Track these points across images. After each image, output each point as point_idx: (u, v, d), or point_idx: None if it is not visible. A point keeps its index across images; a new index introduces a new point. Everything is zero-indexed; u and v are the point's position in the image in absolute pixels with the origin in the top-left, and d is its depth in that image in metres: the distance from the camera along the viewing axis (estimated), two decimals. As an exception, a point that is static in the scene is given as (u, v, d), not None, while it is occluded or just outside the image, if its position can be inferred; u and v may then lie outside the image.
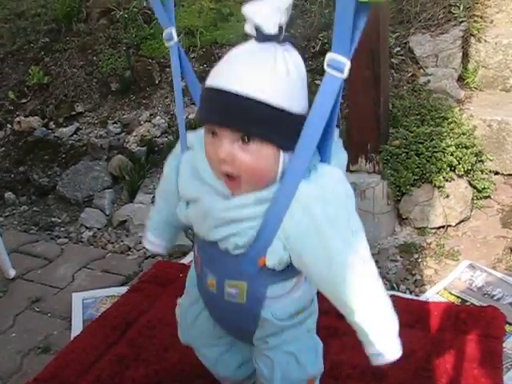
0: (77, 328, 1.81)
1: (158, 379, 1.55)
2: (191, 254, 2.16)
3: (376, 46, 1.93)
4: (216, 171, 1.04)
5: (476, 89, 2.59)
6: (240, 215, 1.04)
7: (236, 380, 1.38)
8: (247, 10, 0.98)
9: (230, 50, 1.03)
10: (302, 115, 1.00)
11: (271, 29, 0.97)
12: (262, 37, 0.98)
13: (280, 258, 1.05)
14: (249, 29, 1.00)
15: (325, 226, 0.99)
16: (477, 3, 2.71)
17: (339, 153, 1.08)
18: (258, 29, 0.98)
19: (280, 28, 0.97)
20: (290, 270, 1.08)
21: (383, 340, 1.03)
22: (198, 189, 1.09)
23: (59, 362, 1.63)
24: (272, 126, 0.98)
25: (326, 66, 0.97)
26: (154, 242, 1.34)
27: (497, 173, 2.35)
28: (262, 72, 0.97)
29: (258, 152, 0.98)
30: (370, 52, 1.93)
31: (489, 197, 2.25)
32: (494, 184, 2.30)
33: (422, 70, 2.56)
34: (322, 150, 1.03)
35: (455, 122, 2.13)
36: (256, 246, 1.05)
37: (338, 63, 0.95)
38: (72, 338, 1.75)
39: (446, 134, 2.08)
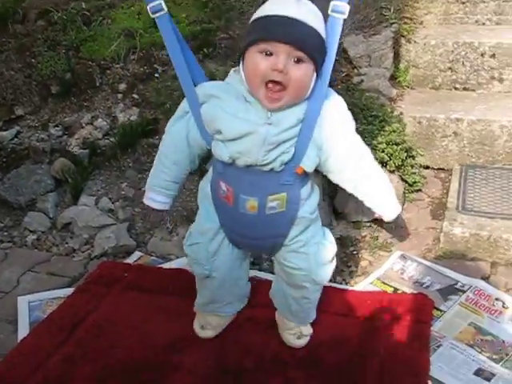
0: (23, 331, 1.82)
1: (105, 375, 1.60)
2: (136, 253, 2.22)
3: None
4: (258, 87, 1.28)
5: (407, 87, 2.72)
6: (287, 136, 1.34)
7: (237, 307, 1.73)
8: None
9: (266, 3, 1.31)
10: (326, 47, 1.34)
11: None
12: None
13: (314, 163, 1.40)
14: None
15: (343, 126, 1.40)
16: (406, 5, 2.84)
17: None
18: None
19: None
20: (308, 175, 1.44)
21: (391, 198, 1.52)
22: (243, 125, 1.33)
23: (6, 365, 1.66)
24: (319, 50, 1.30)
25: (330, 12, 1.34)
26: (159, 200, 1.55)
27: (427, 167, 2.49)
28: (309, 11, 1.28)
29: (305, 69, 1.27)
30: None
31: (420, 190, 2.38)
32: (425, 178, 2.44)
33: (356, 70, 2.67)
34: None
35: (385, 121, 2.25)
36: (294, 159, 1.36)
37: (340, 7, 1.35)
38: (19, 341, 1.76)
39: (377, 131, 2.19)
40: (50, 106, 3.01)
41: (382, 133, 2.19)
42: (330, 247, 1.54)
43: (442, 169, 2.47)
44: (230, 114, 1.34)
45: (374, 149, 2.14)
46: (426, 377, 1.55)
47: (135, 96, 2.87)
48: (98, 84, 3.01)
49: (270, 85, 1.27)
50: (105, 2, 3.33)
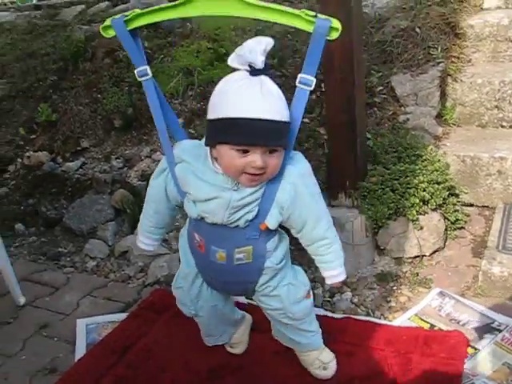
0: (80, 351, 1.99)
1: (152, 398, 1.73)
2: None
3: (352, 93, 2.11)
4: (237, 175, 1.38)
5: (454, 125, 2.77)
6: (250, 200, 1.43)
7: (233, 330, 1.85)
8: (243, 50, 1.33)
9: (226, 84, 1.36)
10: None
11: (261, 64, 1.32)
12: (255, 71, 1.33)
13: (277, 221, 1.47)
14: (235, 63, 1.35)
15: (305, 193, 1.45)
16: (454, 45, 2.90)
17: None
18: (250, 65, 1.33)
19: (266, 64, 1.33)
20: (275, 229, 1.51)
21: (339, 265, 1.57)
22: (212, 190, 1.43)
23: (64, 382, 1.82)
24: (286, 136, 1.38)
25: (297, 83, 1.40)
26: (146, 243, 1.72)
27: (471, 205, 2.53)
28: (274, 100, 1.33)
29: (278, 156, 1.38)
30: (347, 98, 2.12)
31: (463, 228, 2.42)
32: (468, 216, 2.47)
33: (402, 108, 2.75)
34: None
35: (428, 160, 2.31)
36: (258, 217, 1.46)
37: (308, 80, 1.40)
38: (76, 361, 1.93)
39: (419, 171, 2.25)
40: (113, 138, 3.22)
41: (425, 172, 2.25)
42: (300, 286, 1.63)
43: (487, 206, 2.50)
44: (199, 178, 1.43)
45: (415, 187, 2.21)
46: (455, 414, 1.61)
47: (191, 131, 3.03)
48: (157, 119, 3.19)
49: (248, 175, 1.37)
50: (166, 40, 3.54)
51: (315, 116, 2.87)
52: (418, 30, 2.95)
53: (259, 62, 1.32)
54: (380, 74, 2.89)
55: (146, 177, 2.88)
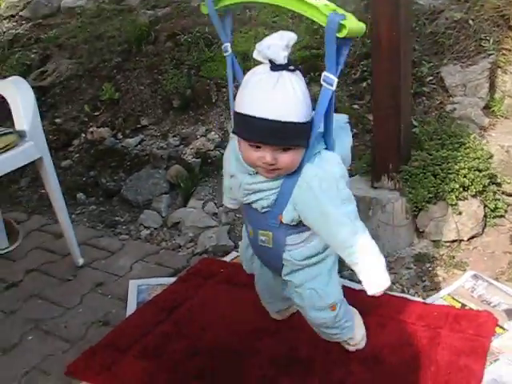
0: (131, 308, 2.16)
1: (194, 351, 1.88)
2: (233, 253, 2.49)
3: (398, 83, 2.20)
4: (255, 166, 1.43)
5: (501, 116, 2.80)
6: (261, 187, 1.48)
7: (281, 306, 1.92)
8: (262, 46, 1.34)
9: (251, 76, 1.38)
10: (311, 121, 1.39)
11: (283, 60, 1.32)
12: (275, 67, 1.33)
13: (292, 217, 1.48)
14: (259, 57, 1.36)
15: (320, 196, 1.42)
16: (507, 37, 2.93)
17: (344, 137, 1.58)
18: (271, 61, 1.32)
19: (289, 59, 1.33)
20: (304, 225, 1.51)
21: (374, 274, 1.47)
22: (235, 168, 1.53)
23: (115, 334, 1.99)
24: (298, 136, 1.38)
25: (322, 81, 1.37)
26: (231, 202, 1.79)
27: (514, 195, 2.58)
28: (287, 95, 1.32)
29: (292, 154, 1.39)
30: (393, 88, 2.21)
31: (503, 216, 2.47)
32: (510, 205, 2.52)
33: (450, 99, 2.80)
34: (326, 140, 1.47)
35: (471, 148, 2.37)
36: (276, 207, 1.49)
37: (330, 79, 1.36)
38: (127, 316, 2.11)
39: (460, 157, 2.32)
40: (171, 118, 3.39)
41: (466, 159, 2.32)
42: (325, 297, 1.60)
43: (529, 197, 2.54)
44: (233, 155, 1.53)
45: (456, 173, 2.28)
46: (477, 385, 1.69)
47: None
48: (213, 100, 3.35)
49: (262, 168, 1.42)
50: (226, 26, 3.67)
51: (365, 103, 2.96)
52: (471, 21, 2.99)
53: (280, 57, 1.32)
54: (431, 64, 2.95)
55: (200, 154, 3.05)
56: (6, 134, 2.20)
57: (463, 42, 2.96)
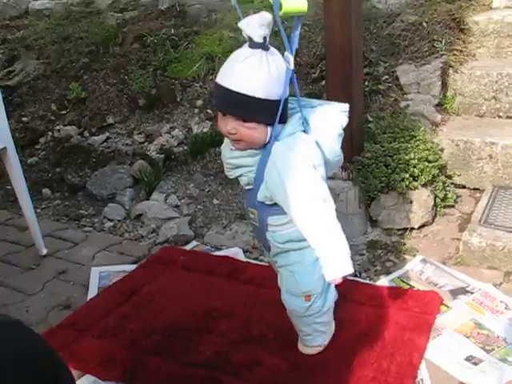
0: (92, 293, 2.22)
1: (151, 330, 1.95)
2: (193, 242, 2.56)
3: (349, 73, 2.31)
4: (225, 135, 1.53)
5: (453, 114, 2.93)
6: (239, 162, 1.56)
7: None
8: (242, 24, 1.42)
9: (233, 52, 1.47)
10: (279, 100, 1.45)
11: (258, 39, 1.40)
12: (253, 44, 1.41)
13: (264, 195, 1.55)
14: (245, 36, 1.43)
15: (282, 174, 1.47)
16: (458, 39, 3.06)
17: (326, 124, 1.60)
18: (249, 38, 1.41)
19: (264, 38, 1.40)
20: (282, 210, 1.54)
21: (332, 260, 1.48)
22: (224, 144, 1.62)
23: (76, 315, 2.06)
24: (260, 111, 1.45)
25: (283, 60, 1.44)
26: None
27: (464, 187, 2.69)
28: (252, 74, 1.40)
29: (252, 127, 1.47)
30: (345, 77, 2.32)
31: (453, 206, 2.59)
32: (460, 196, 2.64)
33: (405, 96, 2.92)
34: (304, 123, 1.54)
35: (421, 140, 2.48)
36: (255, 185, 1.56)
37: (288, 58, 1.43)
38: (88, 300, 2.17)
39: (411, 149, 2.43)
40: (137, 116, 3.45)
41: (416, 150, 2.43)
42: (300, 285, 1.64)
43: (478, 189, 2.66)
44: None
45: (406, 163, 2.39)
46: (420, 357, 1.78)
47: (209, 111, 3.25)
48: (178, 99, 3.42)
49: (227, 136, 1.53)
50: (191, 29, 3.77)
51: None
52: (424, 24, 3.13)
53: (256, 35, 1.39)
54: (387, 64, 3.06)
55: (164, 150, 3.11)
56: (-31, 124, 2.26)
57: (417, 44, 3.08)
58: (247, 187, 1.61)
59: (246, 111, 1.45)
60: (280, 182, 1.48)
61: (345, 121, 1.63)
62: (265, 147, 1.52)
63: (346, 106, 1.64)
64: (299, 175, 1.47)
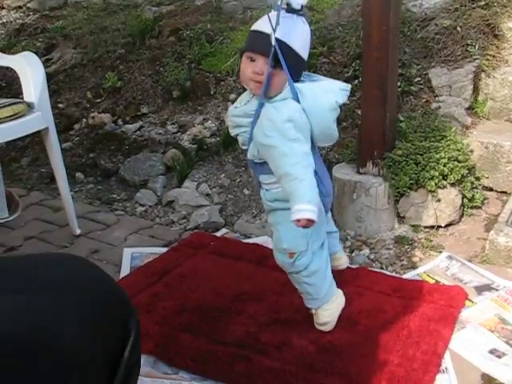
0: (125, 272, 2.29)
1: (182, 308, 2.01)
2: (223, 230, 2.63)
3: (385, 72, 2.36)
4: (247, 81, 1.66)
5: (484, 118, 2.96)
6: (238, 121, 1.74)
7: None
8: None
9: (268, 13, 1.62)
10: (304, 60, 1.67)
11: (296, 6, 1.58)
12: (290, 9, 1.58)
13: (252, 154, 1.74)
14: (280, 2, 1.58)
15: (268, 132, 1.63)
16: (492, 44, 3.09)
17: (329, 90, 1.71)
18: (288, 4, 1.58)
19: (302, 6, 1.59)
20: (270, 169, 1.70)
21: (301, 202, 1.58)
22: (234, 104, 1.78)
23: (109, 291, 2.12)
24: (290, 62, 1.59)
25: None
26: None
27: (491, 189, 2.72)
28: (292, 28, 1.59)
29: (277, 73, 1.60)
30: (380, 76, 2.37)
31: (480, 208, 2.62)
32: (487, 198, 2.67)
33: (436, 98, 2.96)
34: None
35: (452, 140, 2.52)
36: (248, 145, 1.72)
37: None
38: (120, 278, 2.24)
39: (441, 148, 2.47)
40: (170, 107, 3.52)
41: (447, 150, 2.47)
42: (282, 242, 1.78)
43: (505, 192, 2.69)
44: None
45: (436, 162, 2.43)
46: (444, 347, 1.82)
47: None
48: (212, 92, 3.49)
49: (253, 81, 1.64)
50: (227, 25, 3.84)
51: (355, 99, 3.11)
52: (459, 28, 3.16)
53: (295, 2, 1.58)
54: (419, 66, 3.10)
55: (196, 141, 3.18)
56: (16, 103, 2.35)
57: (451, 47, 3.12)
58: (243, 147, 1.79)
59: (277, 55, 1.56)
60: (266, 140, 1.65)
61: (341, 98, 1.70)
62: (259, 108, 1.66)
63: (346, 86, 1.74)
64: (284, 134, 1.61)
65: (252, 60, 1.62)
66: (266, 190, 1.80)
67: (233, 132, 1.79)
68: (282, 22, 1.56)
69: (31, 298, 0.73)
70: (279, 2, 1.59)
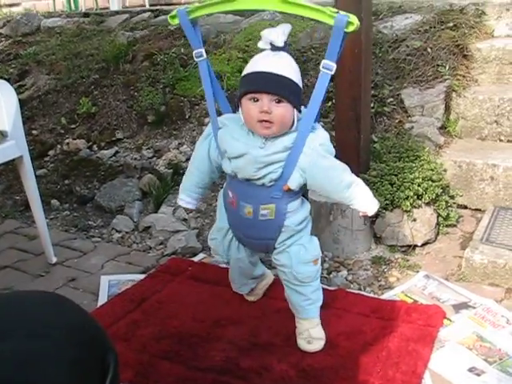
0: (102, 300, 2.25)
1: (161, 336, 1.99)
2: (200, 255, 2.62)
3: (358, 93, 2.39)
4: (254, 124, 1.66)
5: (456, 136, 3.01)
6: (273, 159, 1.70)
7: (252, 284, 2.13)
8: (265, 32, 1.67)
9: (255, 57, 1.70)
10: (301, 89, 1.70)
11: (280, 43, 1.66)
12: (275, 48, 1.66)
13: (299, 183, 1.73)
14: (262, 45, 1.68)
15: (325, 154, 1.71)
16: (461, 64, 3.16)
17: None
18: (272, 43, 1.65)
19: (285, 42, 1.67)
20: (298, 192, 1.78)
21: (371, 199, 1.76)
22: (241, 148, 1.70)
23: (86, 320, 2.09)
24: (292, 92, 1.65)
25: (321, 68, 1.70)
26: (187, 200, 1.94)
27: (465, 207, 2.76)
28: (283, 63, 1.66)
29: (284, 108, 1.64)
30: (353, 98, 2.40)
31: (455, 226, 2.65)
32: (462, 216, 2.71)
33: (409, 118, 3.01)
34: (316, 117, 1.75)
35: (425, 160, 2.56)
36: (282, 178, 1.72)
37: (329, 65, 1.69)
38: (98, 306, 2.21)
39: (415, 168, 2.50)
40: (145, 132, 3.53)
41: (421, 170, 2.50)
42: (310, 250, 1.84)
43: (479, 209, 2.73)
44: (234, 139, 1.72)
45: (411, 182, 2.46)
46: (424, 366, 1.82)
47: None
48: (187, 116, 3.51)
49: (261, 122, 1.65)
50: (201, 48, 3.86)
51: (329, 120, 3.14)
52: (429, 49, 3.22)
53: (279, 40, 1.65)
54: (392, 87, 3.16)
55: (172, 165, 3.18)
56: (-13, 132, 2.32)
57: (422, 68, 3.18)
58: (270, 184, 1.73)
59: (284, 90, 1.62)
60: (324, 161, 1.70)
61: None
62: (296, 137, 1.69)
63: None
64: (333, 152, 1.76)
65: (255, 100, 1.63)
66: (293, 215, 1.79)
67: (258, 175, 1.71)
68: (272, 59, 1.64)
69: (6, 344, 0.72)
70: (261, 45, 1.67)
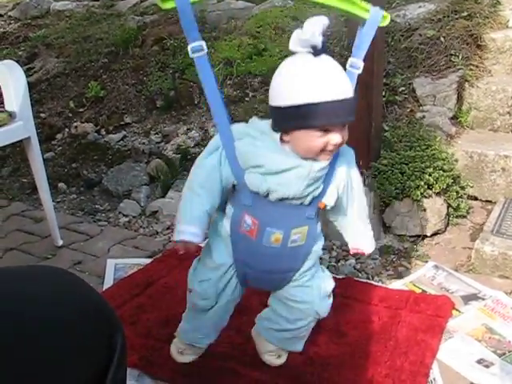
0: (108, 283, 2.25)
1: (166, 320, 1.97)
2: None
3: (370, 82, 2.36)
4: (315, 153, 1.38)
5: (468, 127, 2.97)
6: (322, 174, 1.43)
7: (214, 337, 1.74)
8: (304, 32, 1.34)
9: (294, 67, 1.38)
10: None
11: (321, 44, 1.33)
12: (317, 51, 1.34)
13: (335, 199, 1.50)
14: (297, 47, 1.36)
15: (355, 167, 1.55)
16: (475, 54, 3.12)
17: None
18: (313, 46, 1.33)
19: (323, 43, 1.35)
20: (319, 213, 1.55)
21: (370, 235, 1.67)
22: (288, 161, 1.40)
23: (92, 303, 2.08)
24: (355, 110, 1.39)
25: (348, 67, 1.52)
26: (191, 231, 1.45)
27: (476, 198, 2.72)
28: (344, 78, 1.37)
29: (346, 129, 1.39)
30: (365, 86, 2.36)
31: (465, 217, 2.62)
32: (472, 207, 2.68)
33: (420, 107, 2.97)
34: None
35: (437, 149, 2.53)
36: (321, 195, 1.48)
37: (356, 63, 1.54)
38: (103, 290, 2.20)
39: (427, 158, 2.47)
40: (154, 117, 3.50)
41: (432, 159, 2.47)
42: (329, 279, 1.64)
43: (490, 201, 2.69)
44: (271, 151, 1.40)
45: (421, 171, 2.43)
46: (432, 357, 1.81)
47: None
48: (196, 102, 3.48)
49: (326, 152, 1.39)
50: (211, 34, 3.83)
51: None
52: (442, 39, 3.18)
53: (318, 41, 1.33)
54: (404, 76, 3.11)
55: (180, 150, 3.16)
56: (-4, 112, 2.31)
57: (434, 57, 3.14)
58: (309, 202, 1.47)
59: (353, 113, 1.39)
60: (354, 176, 1.55)
61: None
62: (335, 156, 1.48)
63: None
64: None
65: (325, 131, 1.35)
66: (320, 238, 1.59)
67: (305, 192, 1.43)
68: (332, 75, 1.35)
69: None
70: (296, 48, 1.37)
